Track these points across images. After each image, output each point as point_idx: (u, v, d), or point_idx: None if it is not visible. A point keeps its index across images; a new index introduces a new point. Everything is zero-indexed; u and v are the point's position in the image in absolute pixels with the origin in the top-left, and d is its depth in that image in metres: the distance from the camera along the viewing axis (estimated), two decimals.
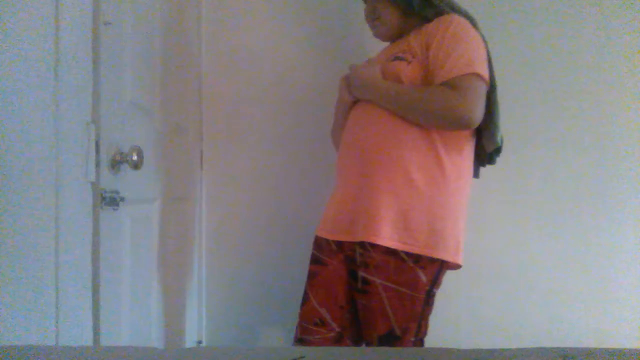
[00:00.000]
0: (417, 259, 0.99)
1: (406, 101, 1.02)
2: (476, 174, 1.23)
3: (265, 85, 1.59)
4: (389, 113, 1.04)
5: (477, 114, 0.99)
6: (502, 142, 1.13)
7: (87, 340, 0.83)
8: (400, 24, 1.15)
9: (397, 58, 1.07)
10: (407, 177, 1.01)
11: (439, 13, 1.08)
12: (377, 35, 1.21)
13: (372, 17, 1.18)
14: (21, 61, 0.68)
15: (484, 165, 1.21)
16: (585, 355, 0.51)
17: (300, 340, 1.13)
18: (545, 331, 1.51)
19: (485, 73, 1.01)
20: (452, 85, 0.98)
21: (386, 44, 1.24)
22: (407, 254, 0.99)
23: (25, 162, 0.69)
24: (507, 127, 1.47)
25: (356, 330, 1.12)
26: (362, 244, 1.02)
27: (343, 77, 1.18)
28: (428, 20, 1.10)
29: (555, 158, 1.52)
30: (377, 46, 1.28)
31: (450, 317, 1.53)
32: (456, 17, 1.04)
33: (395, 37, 1.18)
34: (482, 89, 1.00)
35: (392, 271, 0.98)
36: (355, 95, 1.12)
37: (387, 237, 0.99)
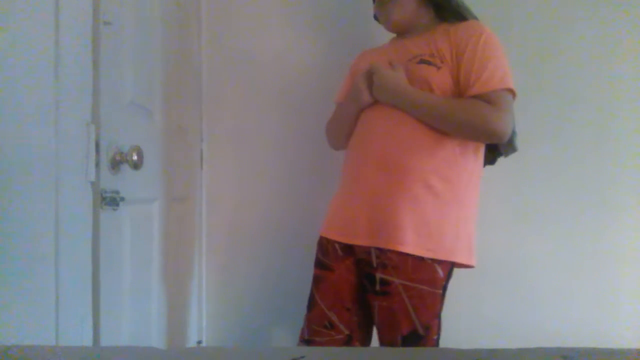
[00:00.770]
0: (436, 258, 1.00)
1: (440, 112, 1.01)
2: None
3: (265, 84, 1.59)
4: (409, 119, 1.03)
5: (510, 129, 1.01)
6: None
7: (87, 340, 0.83)
8: (414, 12, 1.13)
9: (423, 61, 1.05)
10: (427, 184, 1.01)
11: (454, 8, 1.09)
12: (388, 23, 1.16)
13: (386, 0, 1.14)
14: (21, 61, 0.68)
15: (483, 166, 1.21)
16: (585, 355, 0.51)
17: (307, 342, 1.12)
18: (545, 331, 1.50)
19: (514, 88, 1.02)
20: (487, 99, 0.99)
21: (392, 36, 1.22)
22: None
23: (25, 162, 0.69)
24: None
25: (365, 333, 1.12)
26: (383, 248, 1.01)
27: (362, 75, 1.10)
28: (440, 16, 1.11)
29: (555, 158, 1.52)
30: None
31: (451, 317, 1.52)
32: (484, 27, 1.04)
33: (406, 27, 1.15)
34: (512, 103, 1.03)
35: (410, 270, 0.98)
36: (377, 98, 1.08)
37: (410, 244, 0.99)
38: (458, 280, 1.52)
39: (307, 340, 1.13)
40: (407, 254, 0.98)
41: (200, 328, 1.59)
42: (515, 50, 1.51)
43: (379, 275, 1.01)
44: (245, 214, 1.60)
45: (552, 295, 1.52)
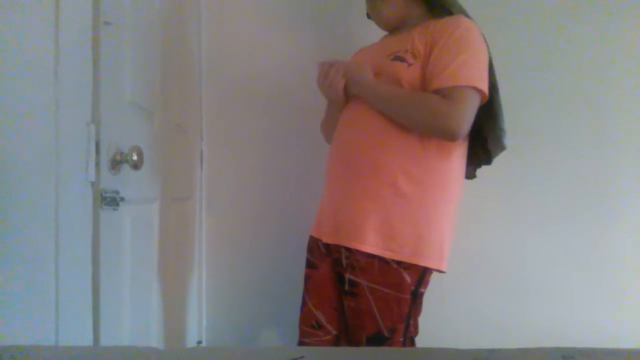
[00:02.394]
0: (401, 261, 0.98)
1: (394, 104, 1.00)
2: (472, 175, 1.21)
3: (265, 85, 1.59)
4: (379, 117, 1.02)
5: (464, 128, 0.97)
6: None
7: (87, 340, 0.83)
8: (404, 8, 1.11)
9: (397, 58, 1.03)
10: (394, 184, 0.99)
11: (442, 4, 1.07)
12: (379, 20, 1.16)
13: (375, 0, 1.13)
14: (21, 61, 0.68)
15: (479, 167, 1.20)
16: (585, 355, 0.51)
17: (300, 344, 1.14)
18: (545, 331, 1.50)
19: (483, 86, 0.98)
20: (446, 94, 0.96)
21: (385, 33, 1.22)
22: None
23: (25, 162, 0.69)
24: (507, 127, 1.48)
25: None
26: (347, 247, 1.02)
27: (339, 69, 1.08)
28: (431, 10, 1.09)
29: (554, 158, 1.52)
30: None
31: (451, 317, 1.53)
32: (465, 21, 1.01)
33: (397, 23, 1.14)
34: (475, 103, 0.98)
35: (377, 273, 0.98)
36: (349, 91, 1.08)
37: (371, 243, 0.98)
38: (457, 280, 1.53)
39: (299, 342, 1.15)
40: (374, 257, 0.98)
41: (200, 328, 1.59)
42: (514, 50, 1.51)
43: (347, 276, 1.01)
44: (245, 214, 1.60)
45: (552, 295, 1.52)
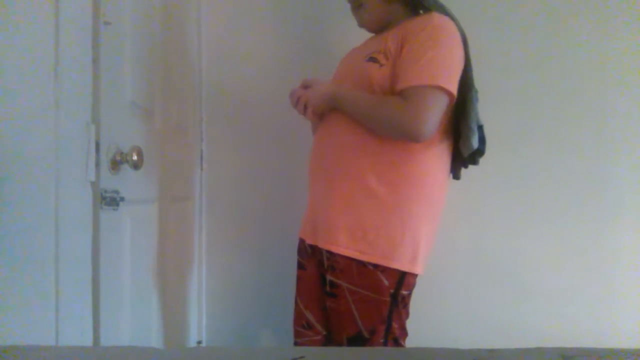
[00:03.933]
0: (376, 264, 0.98)
1: (362, 111, 1.00)
2: (456, 176, 1.18)
3: (265, 84, 1.59)
4: (350, 121, 1.02)
5: (426, 129, 0.94)
6: (484, 143, 1.09)
7: (87, 340, 0.83)
8: (384, 12, 1.10)
9: (371, 59, 1.02)
10: (366, 186, 0.99)
11: (420, 2, 1.06)
12: (362, 24, 1.15)
13: (355, 5, 1.13)
14: (21, 61, 0.68)
15: (466, 167, 1.16)
16: (585, 355, 0.51)
17: (295, 344, 1.16)
18: (545, 331, 1.51)
19: (449, 85, 0.95)
20: (409, 94, 0.94)
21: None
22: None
23: (25, 162, 0.69)
24: (506, 126, 1.48)
25: None
26: (317, 245, 1.05)
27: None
28: (412, 10, 1.09)
29: (554, 157, 1.52)
30: None
31: (450, 317, 1.53)
32: (436, 18, 0.98)
33: (381, 26, 1.13)
34: (440, 103, 0.95)
35: (355, 275, 0.98)
36: (321, 111, 1.09)
37: (344, 245, 0.99)
38: (457, 280, 1.52)
39: (294, 342, 1.16)
40: (351, 259, 0.98)
41: (200, 328, 1.59)
42: (513, 49, 1.51)
43: (328, 277, 1.02)
44: (245, 214, 1.60)
45: (552, 295, 1.52)
